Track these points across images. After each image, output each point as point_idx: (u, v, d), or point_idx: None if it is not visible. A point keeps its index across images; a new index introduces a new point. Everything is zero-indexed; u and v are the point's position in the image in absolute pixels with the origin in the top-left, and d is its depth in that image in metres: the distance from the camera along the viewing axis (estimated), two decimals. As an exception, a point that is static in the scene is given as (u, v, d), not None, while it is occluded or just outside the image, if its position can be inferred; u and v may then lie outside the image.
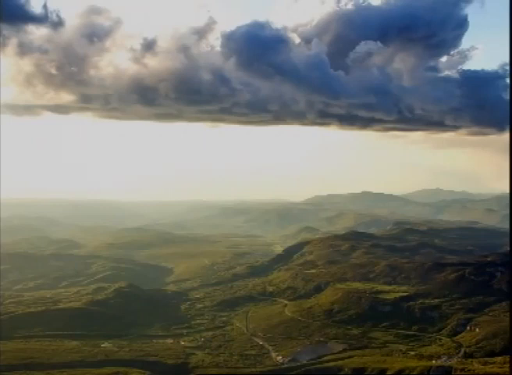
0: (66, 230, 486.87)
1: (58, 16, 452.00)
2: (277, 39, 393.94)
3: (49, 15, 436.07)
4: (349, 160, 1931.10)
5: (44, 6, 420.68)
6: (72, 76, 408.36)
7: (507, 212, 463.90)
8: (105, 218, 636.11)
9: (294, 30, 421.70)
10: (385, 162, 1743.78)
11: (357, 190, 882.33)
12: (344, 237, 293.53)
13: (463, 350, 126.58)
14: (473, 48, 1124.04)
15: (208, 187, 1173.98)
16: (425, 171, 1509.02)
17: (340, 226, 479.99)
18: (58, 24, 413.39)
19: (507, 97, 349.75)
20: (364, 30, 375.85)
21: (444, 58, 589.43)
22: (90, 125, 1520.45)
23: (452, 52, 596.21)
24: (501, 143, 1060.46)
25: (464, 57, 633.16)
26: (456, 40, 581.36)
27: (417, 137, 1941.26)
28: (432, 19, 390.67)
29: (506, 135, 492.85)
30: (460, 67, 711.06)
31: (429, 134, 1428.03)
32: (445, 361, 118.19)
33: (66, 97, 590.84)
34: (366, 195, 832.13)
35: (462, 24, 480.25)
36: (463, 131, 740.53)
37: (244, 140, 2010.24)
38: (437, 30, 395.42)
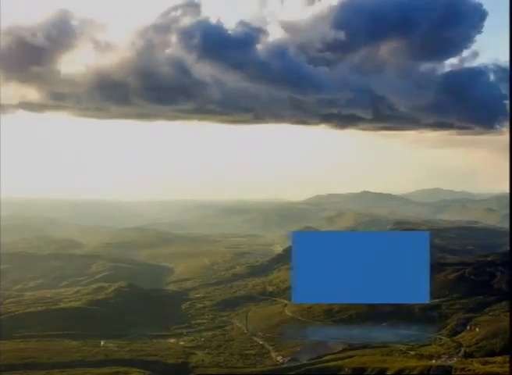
0: (66, 229, 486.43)
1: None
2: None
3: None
4: (349, 160, 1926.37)
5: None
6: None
7: (507, 212, 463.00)
8: (105, 218, 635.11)
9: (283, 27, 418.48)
10: (385, 162, 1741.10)
11: (357, 190, 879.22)
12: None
13: (463, 350, 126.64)
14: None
15: (207, 187, 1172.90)
16: (425, 171, 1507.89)
17: (340, 226, 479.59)
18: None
19: (504, 95, 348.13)
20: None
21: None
22: (90, 125, 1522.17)
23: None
24: (500, 143, 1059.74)
25: (464, 57, 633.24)
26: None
27: (416, 137, 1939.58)
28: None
29: (505, 135, 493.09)
30: (459, 67, 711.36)
31: (429, 134, 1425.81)
32: (445, 361, 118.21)
33: (66, 96, 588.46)
34: (366, 195, 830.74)
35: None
36: (462, 131, 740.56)
37: (244, 139, 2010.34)
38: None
